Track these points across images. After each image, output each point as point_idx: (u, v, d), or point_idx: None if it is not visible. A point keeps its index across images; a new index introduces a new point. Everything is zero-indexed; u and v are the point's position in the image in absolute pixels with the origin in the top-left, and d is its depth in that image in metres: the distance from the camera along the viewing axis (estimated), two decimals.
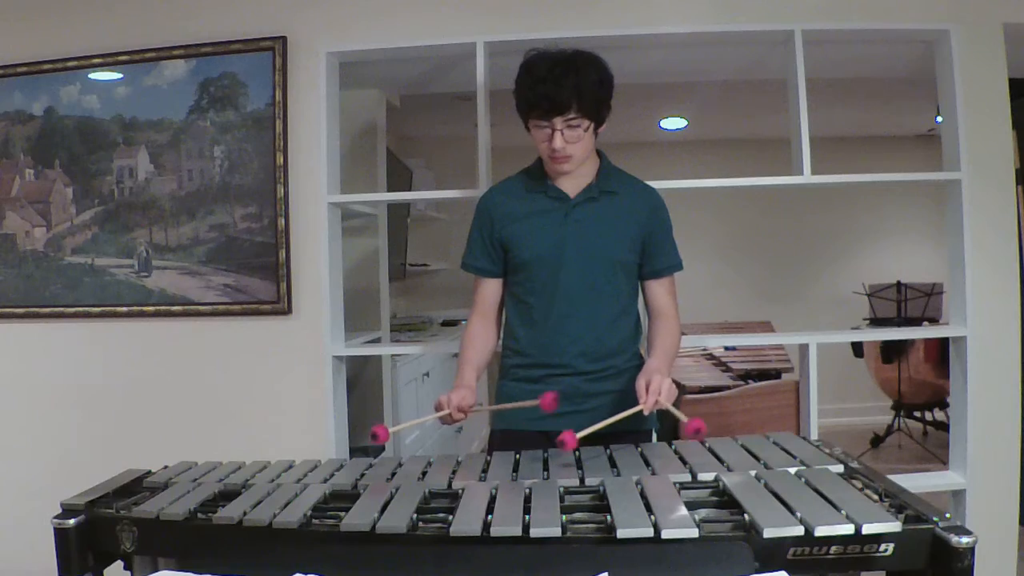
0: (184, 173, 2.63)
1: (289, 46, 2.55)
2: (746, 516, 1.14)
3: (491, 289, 1.90)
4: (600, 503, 1.26)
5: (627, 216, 1.82)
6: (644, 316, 2.16)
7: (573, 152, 1.73)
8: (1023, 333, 2.43)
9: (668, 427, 3.34)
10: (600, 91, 1.71)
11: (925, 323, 4.80)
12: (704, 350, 4.59)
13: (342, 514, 1.25)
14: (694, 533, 1.10)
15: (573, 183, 1.82)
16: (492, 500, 1.27)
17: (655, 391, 1.55)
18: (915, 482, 2.37)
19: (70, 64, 2.66)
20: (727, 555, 1.08)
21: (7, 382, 2.75)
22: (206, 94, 2.61)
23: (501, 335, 1.95)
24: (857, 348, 5.19)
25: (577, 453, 1.52)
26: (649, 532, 1.10)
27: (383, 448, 3.12)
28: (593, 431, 1.51)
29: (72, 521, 1.34)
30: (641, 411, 1.54)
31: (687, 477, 1.36)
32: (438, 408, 1.67)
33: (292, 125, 2.56)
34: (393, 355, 3.22)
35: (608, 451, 1.54)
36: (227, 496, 1.39)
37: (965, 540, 1.05)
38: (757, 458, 1.44)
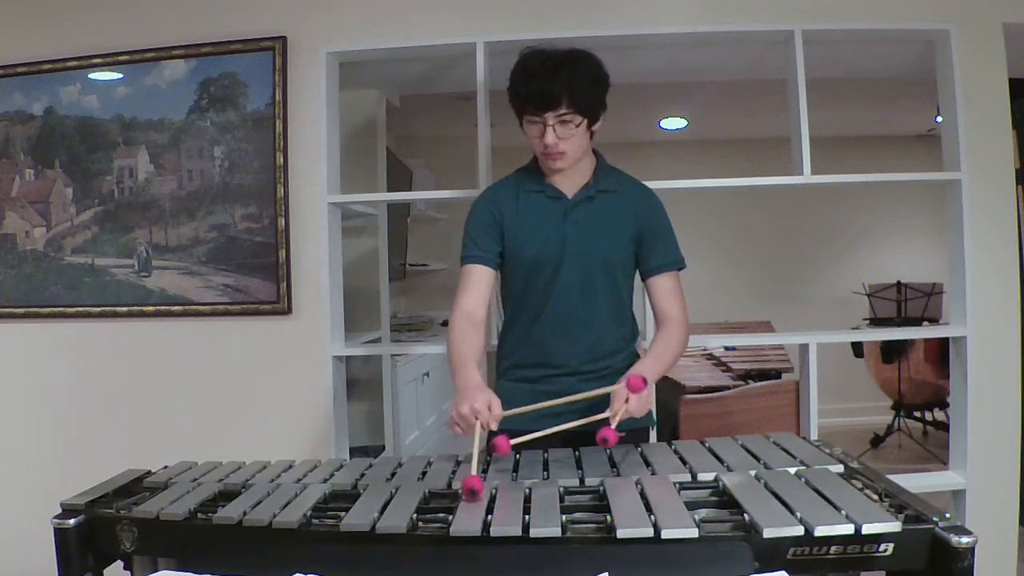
0: (184, 173, 2.63)
1: (289, 46, 2.55)
2: (746, 516, 1.14)
3: (487, 281, 1.81)
4: (600, 503, 1.26)
5: (623, 215, 1.81)
6: (643, 317, 2.17)
7: (566, 149, 1.71)
8: (1023, 333, 2.44)
9: (668, 427, 3.33)
10: (593, 88, 1.69)
11: (925, 323, 4.80)
12: (704, 350, 4.59)
13: (342, 514, 1.25)
14: (694, 533, 1.09)
15: (570, 183, 1.81)
16: (492, 500, 1.27)
17: (621, 399, 1.50)
18: (915, 482, 2.37)
19: (70, 64, 2.66)
20: (727, 555, 1.08)
21: (7, 382, 2.75)
22: (206, 94, 2.60)
23: (498, 335, 1.93)
24: (857, 348, 5.19)
25: (577, 453, 1.52)
26: (649, 532, 1.10)
27: (383, 448, 3.12)
28: (553, 433, 1.49)
29: (72, 521, 1.34)
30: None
31: (687, 477, 1.36)
32: (460, 420, 1.51)
33: (292, 125, 2.56)
34: (393, 355, 3.22)
35: (608, 451, 1.54)
36: (227, 496, 1.39)
37: (965, 540, 1.05)
38: (757, 458, 1.44)
